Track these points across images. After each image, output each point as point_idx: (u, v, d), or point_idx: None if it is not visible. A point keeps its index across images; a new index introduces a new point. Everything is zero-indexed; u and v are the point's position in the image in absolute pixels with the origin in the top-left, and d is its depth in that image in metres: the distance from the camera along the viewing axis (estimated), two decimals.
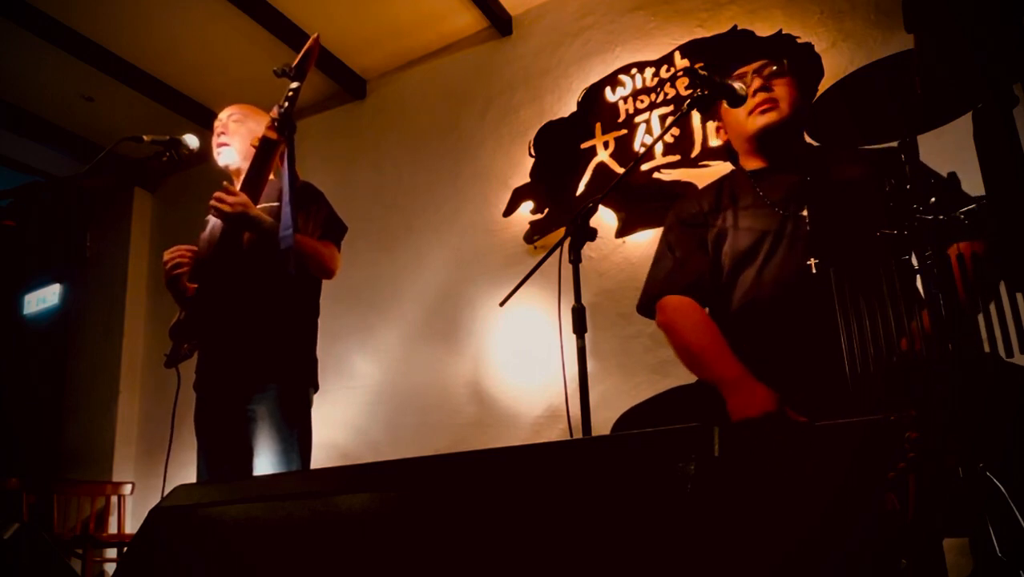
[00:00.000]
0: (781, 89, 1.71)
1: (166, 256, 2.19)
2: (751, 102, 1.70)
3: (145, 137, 2.37)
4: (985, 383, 1.09)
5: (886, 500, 1.13)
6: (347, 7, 3.91)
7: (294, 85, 2.00)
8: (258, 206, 2.12)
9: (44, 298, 5.44)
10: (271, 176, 2.18)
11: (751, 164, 1.79)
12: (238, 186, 2.14)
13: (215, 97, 4.59)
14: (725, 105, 1.76)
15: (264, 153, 2.07)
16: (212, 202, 2.04)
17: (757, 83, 1.71)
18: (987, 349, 1.05)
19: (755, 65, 1.74)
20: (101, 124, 4.73)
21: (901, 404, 1.20)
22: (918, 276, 1.14)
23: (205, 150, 2.43)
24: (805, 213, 1.60)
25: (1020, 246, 0.99)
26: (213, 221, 2.26)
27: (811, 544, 1.09)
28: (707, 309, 1.73)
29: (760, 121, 1.70)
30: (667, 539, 0.77)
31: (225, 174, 2.36)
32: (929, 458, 1.09)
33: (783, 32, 3.10)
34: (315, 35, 2.01)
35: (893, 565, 1.08)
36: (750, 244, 1.66)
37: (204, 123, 4.61)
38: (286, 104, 2.01)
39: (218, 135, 2.33)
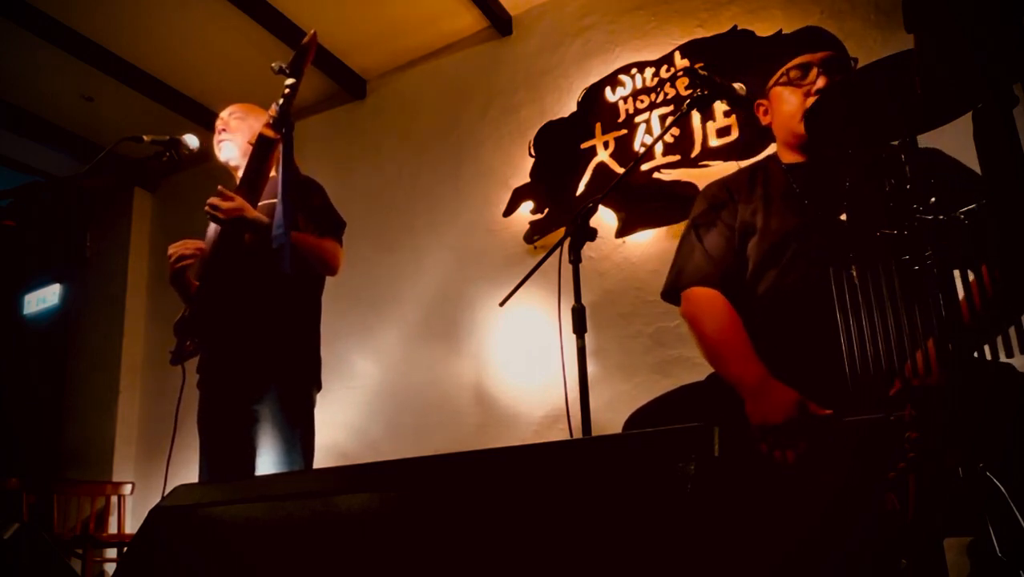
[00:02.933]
0: None
1: (170, 249, 2.19)
2: (811, 100, 1.62)
3: (145, 137, 2.37)
4: (985, 383, 1.09)
5: (886, 500, 1.13)
6: (347, 7, 3.91)
7: (290, 82, 2.01)
8: (260, 203, 2.12)
9: (44, 298, 5.44)
10: (272, 173, 2.18)
11: (788, 156, 1.74)
12: (237, 182, 2.14)
13: (215, 97, 4.58)
14: (777, 90, 1.70)
15: (261, 151, 2.07)
16: (207, 208, 2.04)
17: (822, 82, 1.63)
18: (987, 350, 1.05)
19: (820, 56, 1.66)
20: (101, 124, 4.73)
21: (901, 404, 1.20)
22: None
23: (205, 150, 2.42)
24: (844, 217, 1.56)
25: (1020, 246, 0.99)
26: None
27: (811, 544, 1.09)
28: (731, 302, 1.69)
29: None
30: (667, 539, 0.77)
31: (226, 172, 2.36)
32: (929, 458, 1.09)
33: (783, 32, 3.11)
34: (312, 32, 2.01)
35: (893, 565, 1.08)
36: (778, 243, 1.62)
37: (204, 123, 4.61)
38: (282, 101, 2.01)
39: (219, 132, 2.34)
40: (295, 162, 2.06)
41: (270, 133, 2.03)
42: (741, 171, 1.83)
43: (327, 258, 2.18)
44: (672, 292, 1.75)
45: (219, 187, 2.08)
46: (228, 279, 2.15)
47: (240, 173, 2.19)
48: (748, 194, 1.73)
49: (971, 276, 1.11)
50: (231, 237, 2.13)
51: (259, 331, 2.13)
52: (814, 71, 1.66)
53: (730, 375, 1.53)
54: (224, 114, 2.38)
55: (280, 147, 2.05)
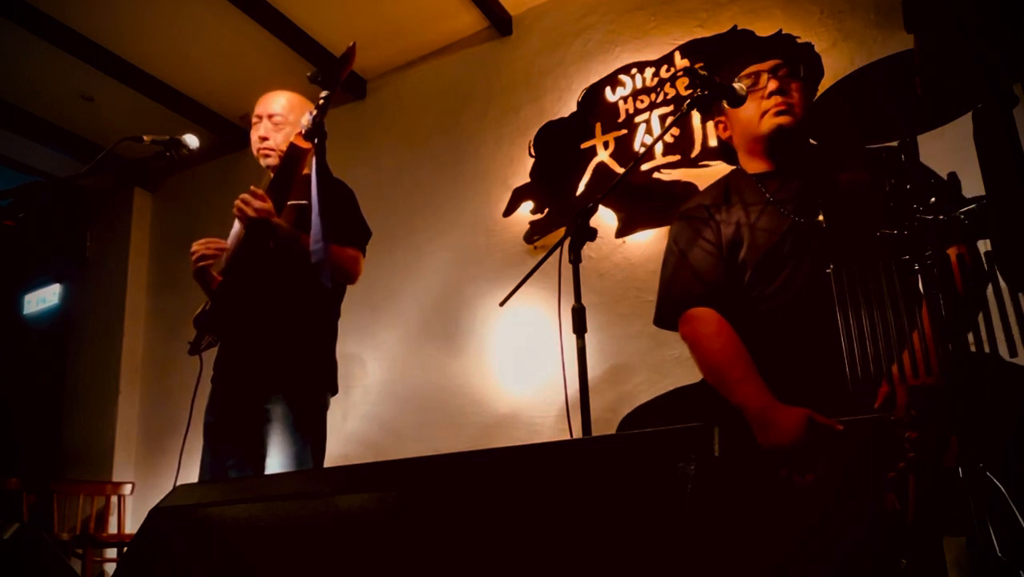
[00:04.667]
0: (795, 92, 1.69)
1: (194, 247, 2.19)
2: (766, 103, 1.67)
3: (145, 137, 2.36)
4: (985, 383, 1.09)
5: (886, 500, 1.13)
6: (347, 7, 3.91)
7: (324, 94, 1.99)
8: (288, 203, 2.12)
9: (44, 298, 5.44)
10: (304, 171, 2.16)
11: (754, 166, 1.76)
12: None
13: (215, 97, 4.59)
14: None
15: (291, 160, 2.07)
16: (237, 204, 2.04)
17: (773, 85, 1.68)
18: (987, 349, 1.05)
19: (769, 64, 1.71)
20: (101, 124, 4.73)
21: (894, 406, 1.20)
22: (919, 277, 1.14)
23: (205, 150, 2.42)
24: (821, 218, 1.58)
25: (1020, 246, 0.99)
26: None
27: (811, 544, 1.09)
28: (727, 317, 1.68)
29: (775, 123, 1.67)
30: (667, 539, 0.77)
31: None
32: (929, 458, 1.09)
33: (783, 32, 3.11)
34: (352, 44, 1.98)
35: (893, 565, 1.08)
36: (767, 250, 1.63)
37: (204, 123, 4.62)
38: (316, 112, 2.00)
39: (261, 139, 2.30)
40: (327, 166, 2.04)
41: (302, 144, 2.03)
42: (712, 186, 1.84)
43: (347, 267, 2.17)
44: (666, 317, 1.74)
45: (252, 187, 2.07)
46: (249, 279, 2.15)
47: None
48: (726, 210, 1.74)
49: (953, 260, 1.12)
50: (254, 239, 2.12)
51: (278, 332, 2.13)
52: (764, 76, 1.70)
53: (736, 400, 1.52)
54: (262, 112, 2.33)
55: (310, 156, 2.04)
